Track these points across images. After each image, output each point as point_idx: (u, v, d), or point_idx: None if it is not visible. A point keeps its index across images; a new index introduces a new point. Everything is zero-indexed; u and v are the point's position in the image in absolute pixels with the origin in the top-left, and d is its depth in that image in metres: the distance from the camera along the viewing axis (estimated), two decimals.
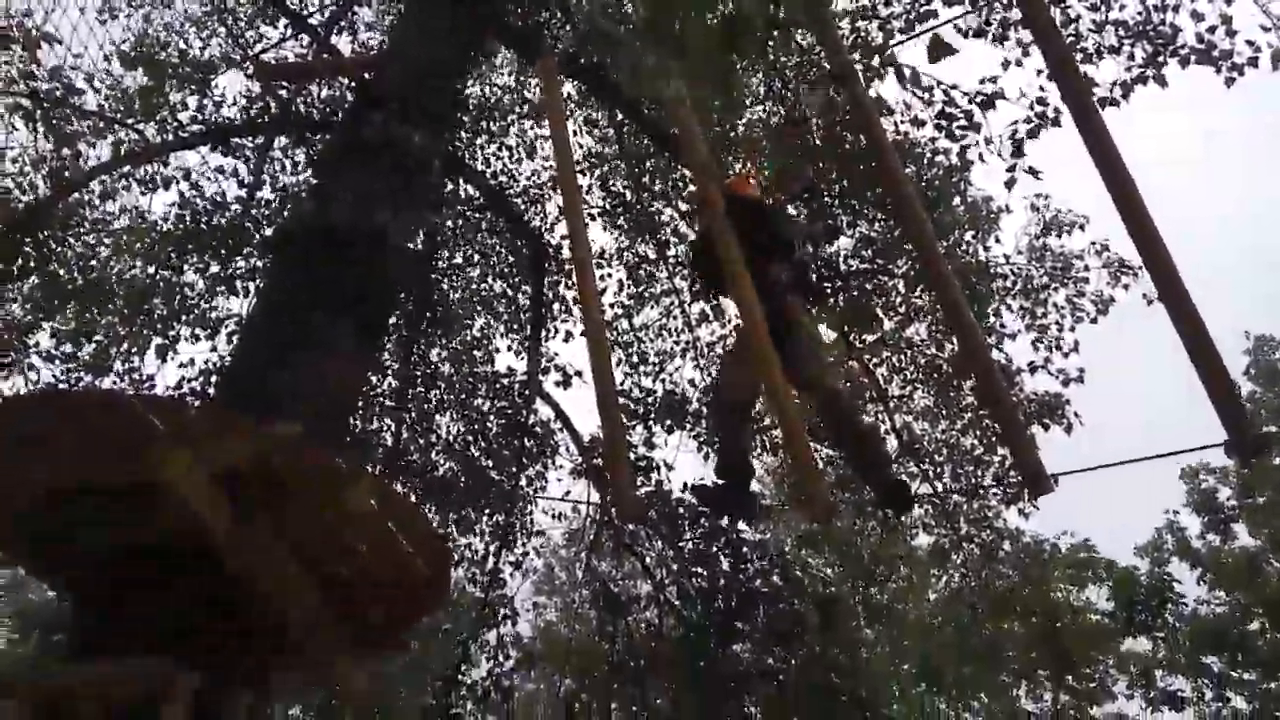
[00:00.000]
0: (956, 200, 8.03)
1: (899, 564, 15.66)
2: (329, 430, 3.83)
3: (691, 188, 5.09)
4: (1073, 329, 8.94)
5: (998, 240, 8.73)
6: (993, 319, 8.53)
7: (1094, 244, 9.03)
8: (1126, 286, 8.84)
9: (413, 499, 8.21)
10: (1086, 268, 9.02)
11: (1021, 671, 19.17)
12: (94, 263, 7.88)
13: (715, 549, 7.50)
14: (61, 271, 7.16)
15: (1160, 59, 6.94)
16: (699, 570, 7.62)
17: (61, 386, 7.85)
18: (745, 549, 7.52)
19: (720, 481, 4.58)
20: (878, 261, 8.57)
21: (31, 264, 6.71)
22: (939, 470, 9.97)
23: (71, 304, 7.64)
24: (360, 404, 7.91)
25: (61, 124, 6.53)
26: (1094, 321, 8.94)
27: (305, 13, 9.03)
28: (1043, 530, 18.47)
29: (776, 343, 4.19)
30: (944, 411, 9.68)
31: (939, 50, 3.47)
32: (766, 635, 7.35)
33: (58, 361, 8.14)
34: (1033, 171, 6.75)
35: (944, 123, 6.55)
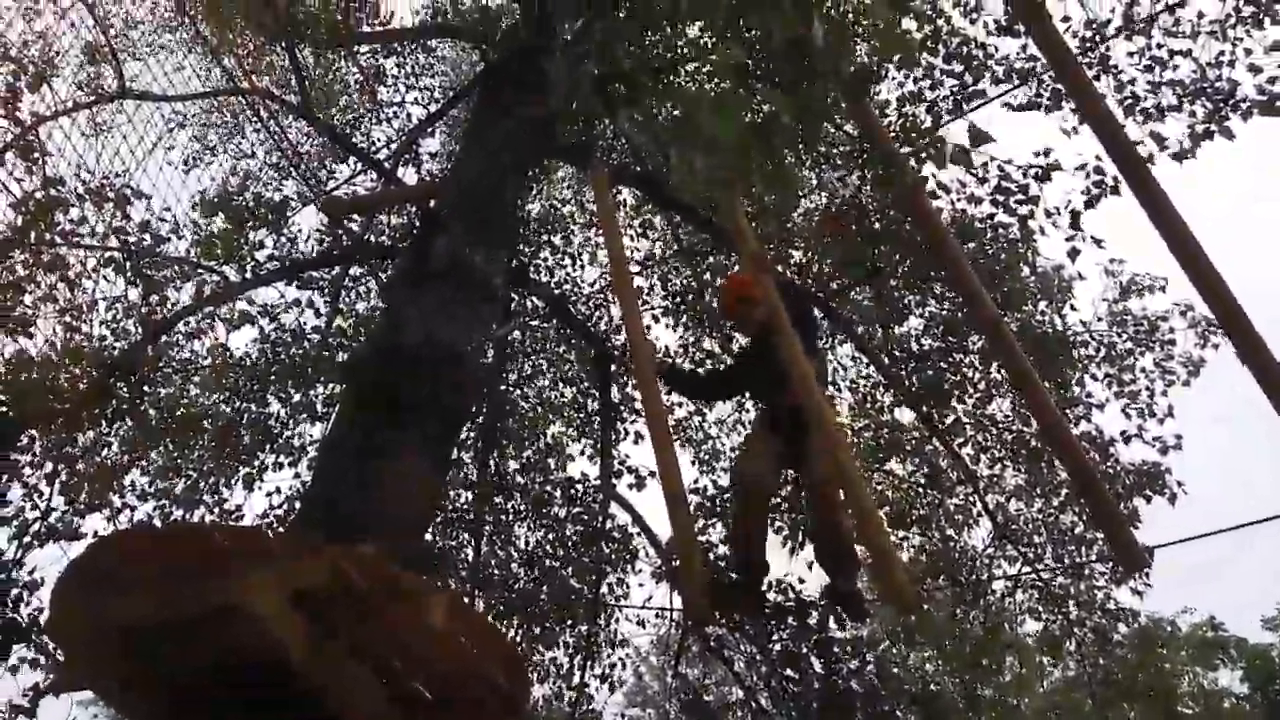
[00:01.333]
0: (1025, 272, 7.90)
1: (1005, 655, 14.86)
2: (406, 548, 3.85)
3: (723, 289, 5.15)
4: (1164, 393, 8.60)
5: (1073, 309, 8.52)
6: (1077, 389, 8.27)
7: (1177, 305, 8.76)
8: (1217, 346, 8.51)
9: (492, 614, 8.14)
10: (1171, 330, 8.73)
11: None
12: (183, 400, 8.22)
13: (805, 648, 7.21)
14: (152, 411, 7.47)
15: (1222, 113, 6.83)
16: (790, 672, 7.32)
17: (153, 523, 8.10)
18: (837, 647, 7.20)
19: (735, 577, 4.49)
20: (949, 339, 8.43)
21: (124, 406, 7.02)
22: (1039, 552, 9.53)
23: (163, 442, 7.94)
24: (438, 519, 7.97)
25: (150, 272, 6.93)
26: (1186, 384, 8.60)
27: (372, 150, 9.54)
28: (1160, 609, 17.39)
29: (799, 433, 4.19)
30: (1038, 489, 9.31)
31: (978, 139, 3.49)
32: None
33: (151, 499, 8.45)
34: (1096, 240, 6.63)
35: (1000, 198, 6.51)
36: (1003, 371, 8.12)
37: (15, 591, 5.83)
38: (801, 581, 7.91)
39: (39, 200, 6.08)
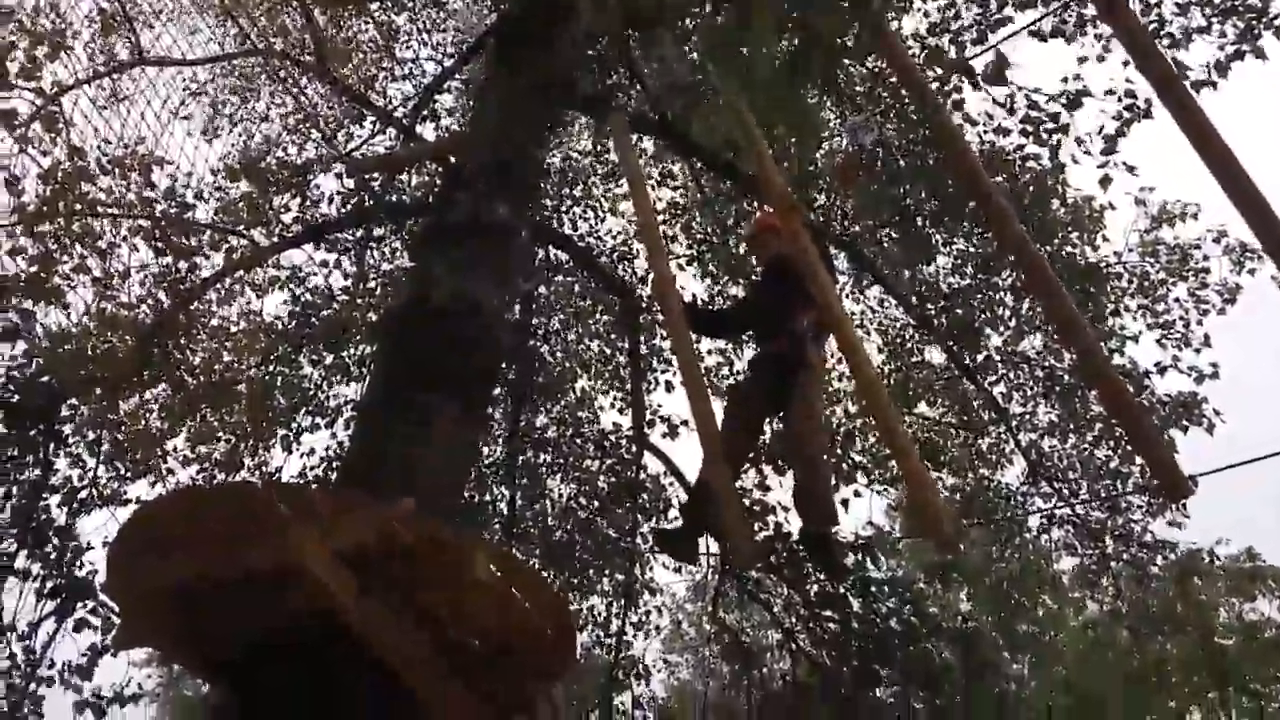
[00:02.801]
0: (1055, 204, 7.75)
1: (1041, 590, 14.89)
2: (445, 503, 3.90)
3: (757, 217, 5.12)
4: (1199, 322, 8.46)
5: (1105, 239, 8.36)
6: (1111, 321, 8.15)
7: (1210, 231, 8.56)
8: (1253, 271, 8.35)
9: (532, 564, 8.26)
10: (1206, 257, 8.55)
11: (1191, 693, 17.83)
12: (217, 366, 8.31)
13: (843, 590, 7.26)
14: (189, 378, 7.56)
15: (1255, 32, 6.60)
16: (828, 613, 7.38)
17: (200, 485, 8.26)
18: (874, 587, 7.26)
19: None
20: (979, 277, 8.33)
21: (159, 373, 7.11)
22: (1074, 487, 9.49)
23: (201, 408, 8.05)
24: (473, 474, 8.05)
25: (178, 240, 6.97)
26: (1221, 312, 8.45)
27: (390, 108, 9.47)
28: (1198, 540, 17.29)
29: (788, 381, 4.16)
30: (1072, 425, 9.23)
31: (999, 71, 3.40)
32: (906, 676, 7.04)
33: (193, 464, 8.60)
34: (1129, 167, 6.47)
35: (1030, 128, 6.36)
36: (1034, 306, 8.03)
37: (67, 556, 5.98)
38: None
39: (65, 171, 6.11)
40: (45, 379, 6.28)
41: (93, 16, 7.43)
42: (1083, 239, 8.17)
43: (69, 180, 6.02)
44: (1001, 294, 8.35)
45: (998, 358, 8.86)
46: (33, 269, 5.92)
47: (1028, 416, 9.32)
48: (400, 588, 3.07)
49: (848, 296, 9.60)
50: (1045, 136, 6.27)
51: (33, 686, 5.42)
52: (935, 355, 9.31)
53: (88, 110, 6.95)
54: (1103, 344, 7.94)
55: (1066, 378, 8.66)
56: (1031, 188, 7.27)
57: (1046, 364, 8.83)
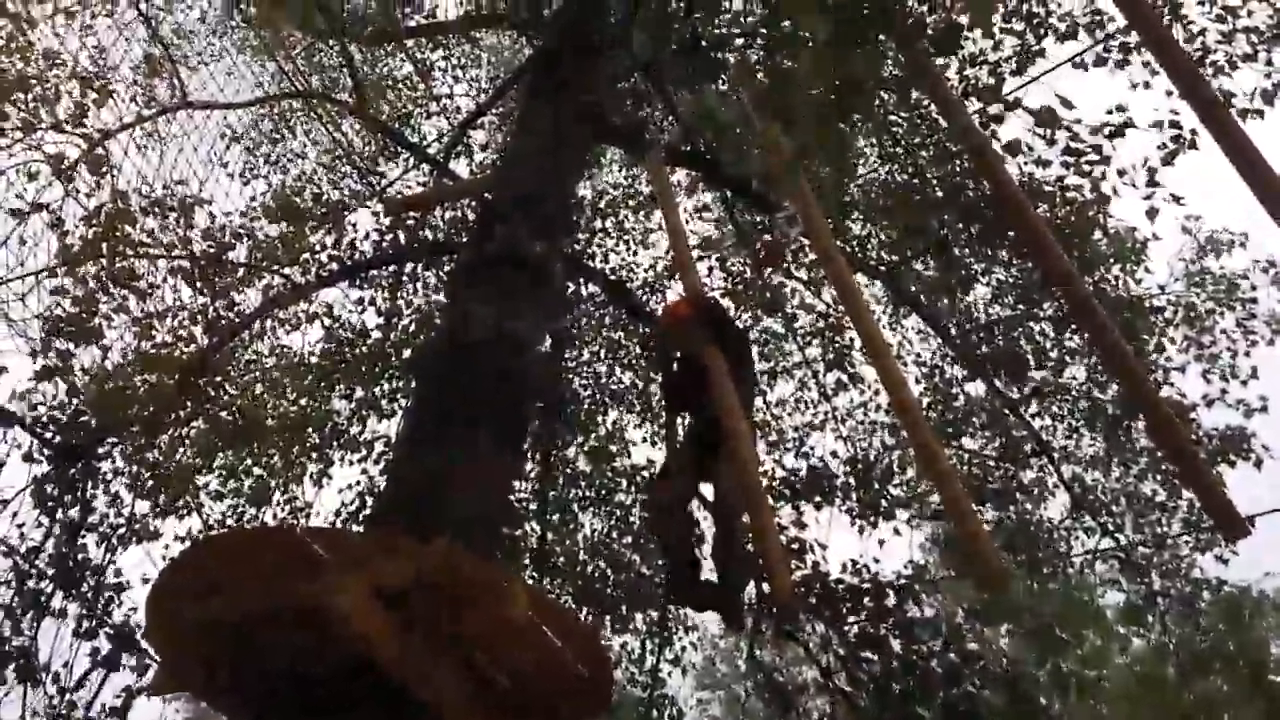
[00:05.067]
0: (1098, 234, 7.63)
1: (1086, 627, 14.50)
2: (481, 540, 3.85)
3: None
4: (1247, 354, 8.28)
5: (1148, 271, 8.21)
6: (1155, 354, 7.98)
7: (1258, 261, 8.39)
8: None
9: (565, 602, 8.17)
10: (1254, 287, 8.37)
11: None
12: (251, 402, 8.36)
13: (883, 630, 7.09)
14: (223, 414, 7.60)
15: None
16: (867, 654, 7.21)
17: (229, 522, 8.27)
18: (915, 627, 7.07)
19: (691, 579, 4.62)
20: (1020, 307, 8.20)
21: (196, 411, 7.15)
22: (1119, 522, 9.26)
23: (234, 443, 8.09)
24: (508, 510, 7.99)
25: (216, 278, 7.04)
26: (1270, 344, 8.25)
27: (424, 144, 9.57)
28: (1246, 576, 16.78)
29: (711, 450, 4.44)
30: (1116, 458, 9.04)
31: (1047, 121, 3.33)
32: (948, 719, 6.83)
33: (225, 499, 8.63)
34: (1175, 198, 6.35)
35: (1071, 159, 6.27)
36: (1079, 337, 7.89)
37: (107, 594, 5.99)
38: (876, 562, 7.79)
39: (108, 213, 6.20)
40: (84, 418, 6.33)
41: (137, 60, 7.59)
42: (1125, 270, 8.03)
43: (112, 222, 6.11)
44: (1043, 324, 8.22)
45: (1038, 389, 8.71)
46: (74, 310, 6.00)
47: (1071, 449, 9.14)
48: (438, 628, 3.03)
49: (886, 327, 9.52)
50: (1087, 168, 6.17)
51: None
52: (975, 387, 9.17)
53: (131, 152, 7.08)
54: (1151, 373, 7.79)
55: (1110, 410, 8.49)
56: (1073, 219, 7.16)
57: (1090, 396, 8.66)
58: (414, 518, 3.55)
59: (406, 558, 2.98)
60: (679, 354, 5.10)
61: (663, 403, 5.79)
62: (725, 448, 4.40)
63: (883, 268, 8.67)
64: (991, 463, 9.40)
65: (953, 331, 8.47)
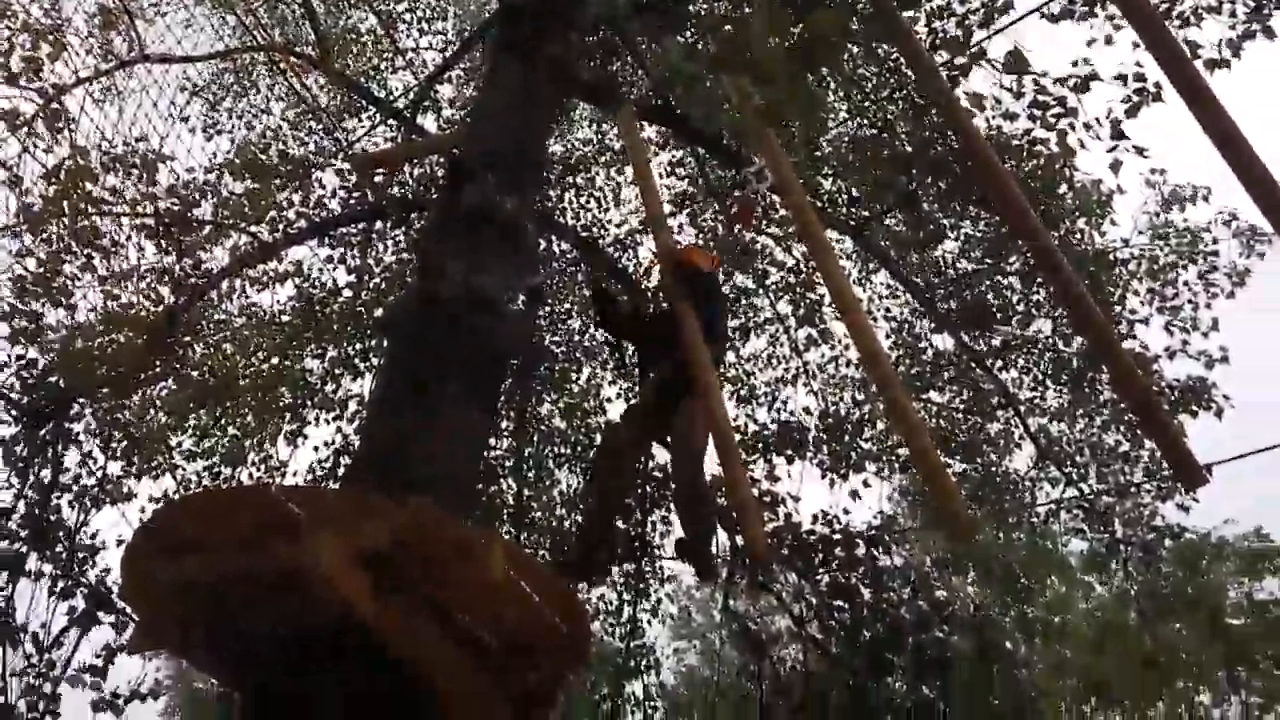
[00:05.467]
0: (1063, 188, 7.70)
1: (1050, 575, 14.89)
2: (457, 498, 3.88)
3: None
4: (1208, 306, 8.43)
5: (1113, 224, 8.31)
6: (1119, 307, 8.11)
7: (1220, 213, 8.51)
8: (1262, 255, 8.30)
9: (543, 558, 8.25)
10: (1215, 240, 8.50)
11: (1200, 675, 17.84)
12: (223, 361, 8.30)
13: (853, 579, 7.25)
14: (194, 374, 7.55)
15: (1265, 10, 6.52)
16: (839, 603, 7.38)
17: (204, 482, 8.26)
18: (884, 576, 7.24)
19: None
20: (987, 261, 8.28)
21: (166, 370, 7.10)
22: (1083, 472, 9.48)
23: (206, 403, 8.05)
24: (482, 468, 8.03)
25: (181, 237, 6.94)
26: (1230, 296, 8.41)
27: (391, 99, 9.42)
28: (1205, 523, 17.24)
29: (675, 396, 4.50)
30: (1080, 410, 9.21)
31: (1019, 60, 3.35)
32: (918, 664, 7.04)
33: (199, 458, 8.61)
34: (1139, 150, 6.41)
35: (1038, 112, 6.29)
36: (1045, 291, 7.99)
37: (81, 555, 5.99)
38: (846, 513, 7.94)
39: (69, 169, 6.08)
40: (54, 378, 6.27)
41: (93, 13, 7.38)
42: (1090, 224, 8.12)
43: (72, 179, 5.99)
44: (1010, 279, 8.31)
45: (1006, 342, 8.84)
46: (39, 270, 5.91)
47: (1037, 401, 9.30)
48: (416, 586, 3.06)
49: (856, 283, 9.59)
50: (1053, 121, 6.20)
51: (48, 687, 5.43)
52: (943, 341, 9.29)
53: (89, 107, 6.92)
54: (1116, 326, 7.92)
55: (1075, 362, 8.64)
56: (1040, 173, 7.21)
57: (1056, 349, 8.80)
58: (386, 477, 3.57)
59: (382, 517, 3.00)
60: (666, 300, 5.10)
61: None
62: (683, 401, 4.42)
63: (852, 223, 8.70)
64: (959, 415, 9.57)
65: (921, 286, 8.55)
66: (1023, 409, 9.15)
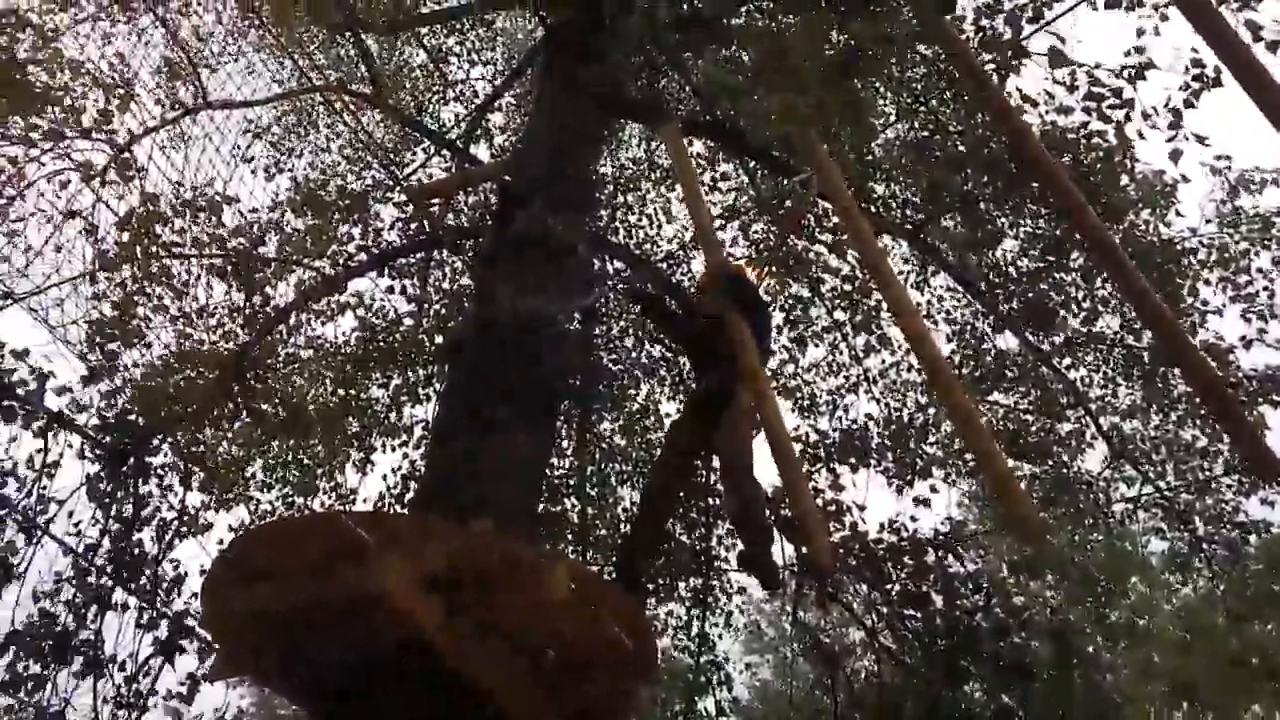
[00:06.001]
0: (1125, 180, 7.51)
1: (1131, 576, 14.41)
2: (517, 520, 3.94)
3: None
4: None
5: (1179, 214, 8.07)
6: (1190, 299, 7.88)
7: None
8: None
9: (608, 574, 8.28)
10: None
11: None
12: (292, 393, 8.54)
13: (924, 587, 7.12)
14: (265, 406, 7.77)
15: None
16: (911, 612, 7.25)
17: (279, 511, 8.49)
18: (956, 583, 7.10)
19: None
20: (1049, 259, 8.11)
21: (239, 404, 7.33)
22: (1160, 469, 9.19)
23: (277, 434, 8.28)
24: (544, 486, 8.11)
25: (248, 274, 7.18)
26: None
27: (443, 130, 9.62)
28: None
29: (718, 407, 4.43)
30: (1154, 405, 8.95)
31: (1057, 61, 3.31)
32: (996, 672, 6.86)
33: (273, 489, 8.86)
34: (1200, 138, 6.23)
35: (1092, 104, 6.16)
36: (1109, 287, 7.81)
37: (165, 586, 6.20)
38: (914, 520, 7.81)
39: (140, 216, 6.34)
40: (132, 416, 6.52)
41: (159, 66, 7.70)
42: (1155, 214, 7.90)
43: (144, 224, 6.25)
44: (1074, 275, 8.13)
45: (1070, 340, 8.64)
46: (115, 313, 6.16)
47: (1108, 399, 9.06)
48: (482, 608, 3.11)
49: (914, 286, 9.48)
50: (1109, 113, 6.06)
51: (136, 715, 5.62)
52: (1007, 341, 9.12)
53: (157, 156, 7.21)
54: (1187, 317, 7.69)
55: (1146, 358, 8.40)
56: (1099, 166, 7.05)
57: (1125, 344, 8.57)
58: (447, 501, 3.64)
59: (444, 540, 3.07)
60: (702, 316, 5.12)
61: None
62: (726, 413, 4.41)
63: (909, 226, 8.61)
64: (1028, 416, 9.36)
65: (982, 287, 8.40)
66: (1094, 407, 8.92)
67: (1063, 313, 8.16)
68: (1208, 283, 8.17)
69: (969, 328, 9.27)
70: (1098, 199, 7.09)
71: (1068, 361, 8.69)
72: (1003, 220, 8.22)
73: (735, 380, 4.44)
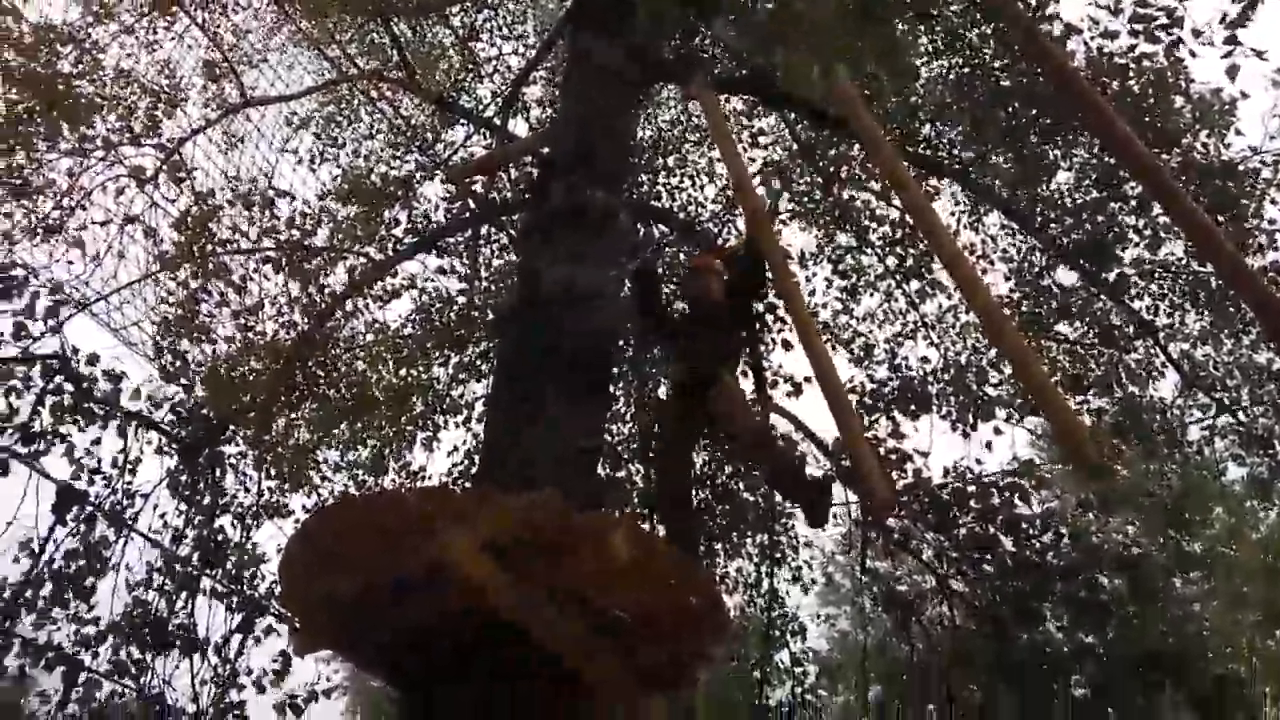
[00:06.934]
0: (1179, 102, 7.24)
1: (1211, 506, 14.05)
2: (579, 483, 4.02)
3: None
4: None
5: (1239, 133, 7.72)
6: (1255, 220, 7.59)
7: None
8: None
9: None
10: None
11: None
12: (355, 378, 8.77)
13: (992, 529, 7.08)
14: (330, 392, 8.00)
15: None
16: (981, 555, 7.22)
17: (351, 492, 8.75)
18: (1024, 524, 7.04)
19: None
20: (1104, 188, 7.88)
21: (304, 391, 7.56)
22: (1235, 395, 8.94)
23: (345, 418, 8.52)
24: (606, 452, 8.22)
25: (302, 264, 7.36)
26: None
27: (480, 108, 9.67)
28: None
29: (703, 383, 4.45)
30: (1225, 330, 8.68)
31: None
32: (1071, 610, 6.82)
33: (344, 471, 9.13)
34: (1257, 53, 5.97)
35: (1139, 26, 5.94)
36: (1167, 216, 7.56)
37: (246, 571, 6.48)
38: (979, 464, 7.75)
39: (194, 215, 6.54)
40: (204, 410, 6.78)
41: (197, 64, 7.88)
42: (1213, 135, 7.60)
43: (199, 223, 6.44)
44: (1130, 203, 7.88)
45: (1140, 267, 8.40)
46: (179, 312, 6.39)
47: (1176, 326, 8.81)
48: (546, 573, 3.19)
49: (967, 226, 9.30)
50: (1158, 33, 5.84)
51: (234, 693, 5.91)
52: (1067, 276, 8.91)
53: (206, 155, 7.41)
54: (1249, 243, 7.43)
55: (1213, 282, 8.13)
56: (1150, 89, 6.80)
57: (1190, 270, 8.31)
58: (506, 472, 3.73)
59: (508, 510, 3.15)
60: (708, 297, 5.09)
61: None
62: (713, 388, 4.45)
63: (957, 166, 8.43)
64: (1093, 350, 9.16)
65: (1036, 222, 8.21)
66: (1161, 336, 8.69)
67: (1122, 243, 7.93)
68: (1274, 202, 7.85)
69: (1026, 265, 9.08)
70: (1153, 123, 6.86)
71: (1131, 291, 8.46)
72: (1054, 153, 8.01)
73: (717, 361, 4.52)
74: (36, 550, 5.63)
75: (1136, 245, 8.09)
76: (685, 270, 5.19)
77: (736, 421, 4.50)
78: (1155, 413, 9.20)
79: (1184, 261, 8.38)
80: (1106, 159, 7.57)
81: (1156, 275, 8.44)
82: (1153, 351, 8.93)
